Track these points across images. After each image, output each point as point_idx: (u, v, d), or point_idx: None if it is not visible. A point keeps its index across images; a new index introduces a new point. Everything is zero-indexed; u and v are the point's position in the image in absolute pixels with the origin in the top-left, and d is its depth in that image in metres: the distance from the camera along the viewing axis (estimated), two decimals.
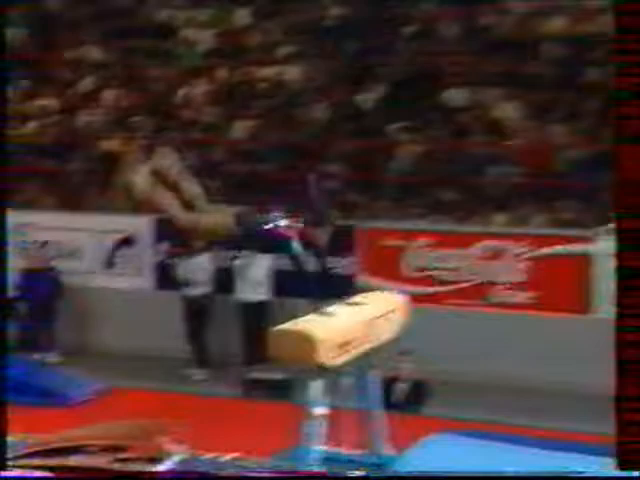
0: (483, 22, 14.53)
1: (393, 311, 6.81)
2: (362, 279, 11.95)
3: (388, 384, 8.75)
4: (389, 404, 7.89)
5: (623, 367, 4.57)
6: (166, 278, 12.66)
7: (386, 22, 14.97)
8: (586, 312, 11.18)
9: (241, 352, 11.83)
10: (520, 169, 12.69)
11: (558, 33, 13.95)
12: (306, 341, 5.83)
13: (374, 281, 11.83)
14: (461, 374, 10.64)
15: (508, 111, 13.45)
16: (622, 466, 4.61)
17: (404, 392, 9.38)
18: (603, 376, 10.49)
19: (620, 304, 4.65)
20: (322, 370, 5.89)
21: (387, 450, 6.70)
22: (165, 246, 12.90)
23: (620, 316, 4.64)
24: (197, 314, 12.15)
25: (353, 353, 6.21)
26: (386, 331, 6.66)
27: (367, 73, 14.58)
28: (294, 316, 6.25)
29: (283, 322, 6.11)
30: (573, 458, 6.53)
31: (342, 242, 12.13)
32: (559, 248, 11.35)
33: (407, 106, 13.94)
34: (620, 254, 4.65)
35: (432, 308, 11.21)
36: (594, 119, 12.81)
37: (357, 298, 6.84)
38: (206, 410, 9.36)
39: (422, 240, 11.94)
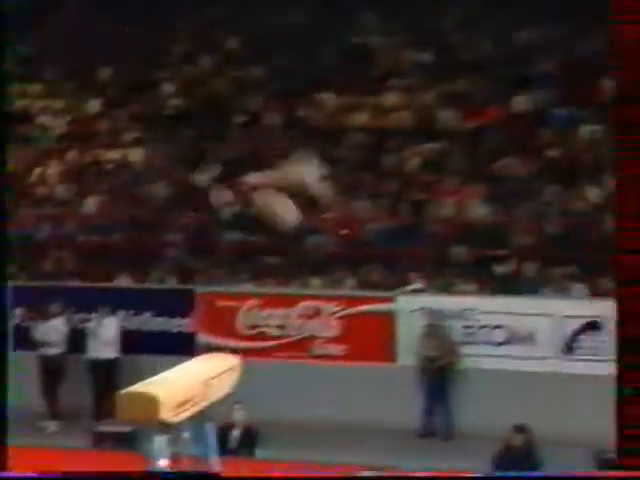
0: (301, 114, 14.79)
1: (228, 370, 6.73)
2: (201, 337, 11.81)
3: (223, 432, 8.61)
4: (225, 449, 7.78)
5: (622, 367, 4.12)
6: (22, 340, 12.17)
7: (219, 112, 15.05)
8: (391, 360, 11.33)
9: (92, 406, 11.48)
10: (333, 239, 12.86)
11: (362, 125, 14.32)
12: (150, 402, 5.68)
13: (212, 338, 11.73)
14: (288, 418, 10.53)
15: (322, 189, 13.64)
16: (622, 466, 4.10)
17: (237, 438, 9.26)
18: (408, 414, 10.80)
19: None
20: (164, 426, 5.77)
21: None
22: (21, 311, 12.43)
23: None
24: (51, 372, 11.71)
25: (192, 410, 6.10)
26: (222, 389, 6.57)
27: (202, 155, 14.56)
28: (141, 372, 6.09)
29: (131, 378, 5.95)
30: None
31: (182, 304, 12.05)
32: (367, 307, 11.49)
33: (238, 184, 13.97)
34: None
35: (263, 361, 11.13)
36: (392, 198, 13.19)
37: (196, 360, 6.74)
38: (59, 461, 8.96)
39: (252, 301, 11.89)
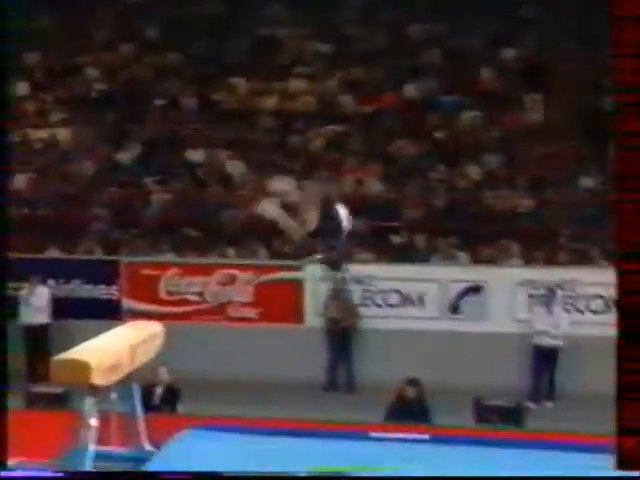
0: (215, 98, 14.61)
1: (152, 337, 6.69)
2: (127, 303, 11.67)
3: (147, 390, 8.52)
4: (149, 407, 7.73)
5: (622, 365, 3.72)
6: None
7: (140, 95, 14.75)
8: (300, 322, 11.40)
9: (26, 369, 11.22)
10: (246, 213, 12.80)
11: (271, 109, 14.25)
12: (82, 368, 5.61)
13: (137, 304, 11.60)
14: (207, 377, 10.48)
15: (236, 167, 13.58)
16: (622, 466, 3.74)
17: (160, 396, 9.16)
18: (314, 370, 10.92)
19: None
20: (94, 389, 5.71)
21: (148, 446, 6.58)
22: None
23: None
24: None
25: (120, 374, 6.05)
26: (147, 354, 6.52)
27: (124, 136, 14.28)
28: (71, 336, 6.00)
29: (62, 341, 5.86)
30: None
31: (109, 273, 11.86)
32: (279, 275, 11.51)
33: (158, 163, 13.78)
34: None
35: (185, 324, 11.07)
36: (300, 174, 13.18)
37: (123, 327, 6.66)
38: None
39: (173, 270, 11.76)
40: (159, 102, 14.60)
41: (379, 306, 11.27)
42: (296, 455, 6.26)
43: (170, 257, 12.11)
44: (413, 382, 8.37)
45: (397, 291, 11.22)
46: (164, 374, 9.02)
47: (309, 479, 4.18)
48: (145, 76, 15.14)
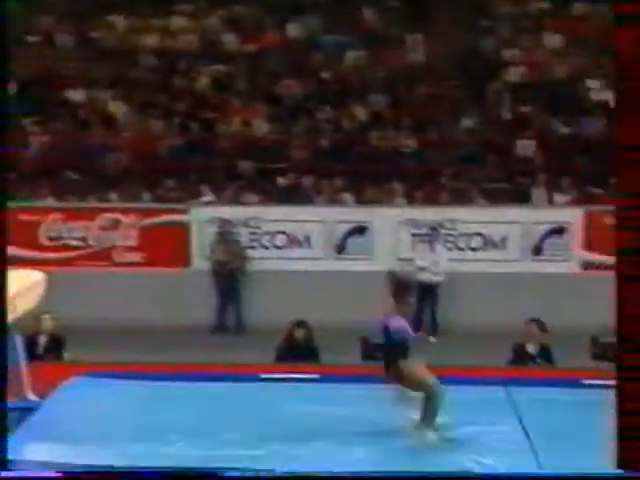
0: (93, 35, 14.04)
1: (33, 285, 6.49)
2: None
3: (31, 340, 8.27)
4: (33, 356, 7.52)
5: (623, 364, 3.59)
6: None
7: (12, 32, 13.98)
8: (186, 266, 11.29)
9: None
10: (129, 155, 12.47)
11: (152, 47, 13.81)
12: None
13: (15, 251, 11.15)
14: (96, 323, 10.23)
15: (118, 108, 13.16)
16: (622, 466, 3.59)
17: (44, 345, 8.90)
18: (202, 314, 10.86)
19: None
20: None
21: (32, 396, 6.43)
22: None
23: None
24: None
25: None
26: (28, 303, 6.33)
27: None
28: None
29: None
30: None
31: None
32: (164, 218, 11.28)
33: (35, 102, 13.19)
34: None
35: (68, 270, 10.77)
36: (183, 116, 12.93)
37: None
38: None
39: (54, 215, 11.34)
40: (32, 39, 13.90)
41: (266, 248, 11.27)
42: (184, 398, 6.25)
43: (50, 202, 11.69)
44: (301, 323, 8.42)
45: (283, 232, 11.23)
46: (48, 322, 8.76)
47: (308, 479, 4.15)
48: (16, 11, 14.34)
